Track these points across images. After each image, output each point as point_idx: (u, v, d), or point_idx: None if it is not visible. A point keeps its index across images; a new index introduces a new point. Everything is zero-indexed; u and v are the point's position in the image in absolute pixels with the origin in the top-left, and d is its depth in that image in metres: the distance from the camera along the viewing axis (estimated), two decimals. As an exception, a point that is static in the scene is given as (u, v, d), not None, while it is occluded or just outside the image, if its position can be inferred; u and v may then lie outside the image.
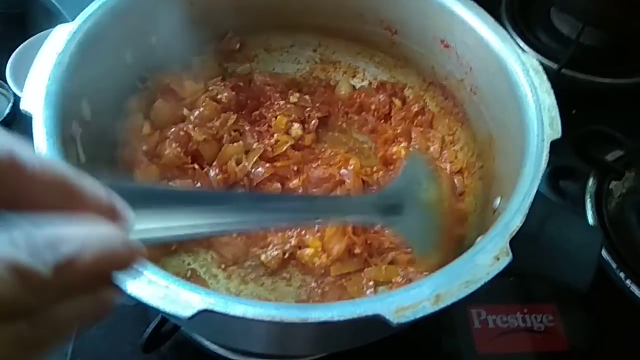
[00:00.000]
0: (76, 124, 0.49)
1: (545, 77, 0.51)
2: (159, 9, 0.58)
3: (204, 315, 0.35)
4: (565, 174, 0.79)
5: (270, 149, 0.63)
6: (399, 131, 0.66)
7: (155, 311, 0.50)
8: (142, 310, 0.63)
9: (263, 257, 0.57)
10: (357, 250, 0.58)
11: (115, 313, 0.63)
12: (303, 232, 0.58)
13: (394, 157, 0.65)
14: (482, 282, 0.38)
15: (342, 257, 0.57)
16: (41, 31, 0.76)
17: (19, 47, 0.76)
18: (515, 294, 0.67)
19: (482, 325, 0.64)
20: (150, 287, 0.36)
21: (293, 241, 0.58)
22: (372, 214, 0.45)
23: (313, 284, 0.57)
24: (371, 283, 0.57)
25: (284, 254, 0.57)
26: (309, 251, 0.57)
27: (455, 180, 0.64)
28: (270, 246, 0.58)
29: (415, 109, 0.68)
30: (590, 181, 0.76)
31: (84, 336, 0.61)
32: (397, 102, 0.69)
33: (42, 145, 0.42)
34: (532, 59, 0.52)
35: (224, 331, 0.45)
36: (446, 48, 0.61)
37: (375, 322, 0.36)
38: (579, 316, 0.67)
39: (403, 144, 0.65)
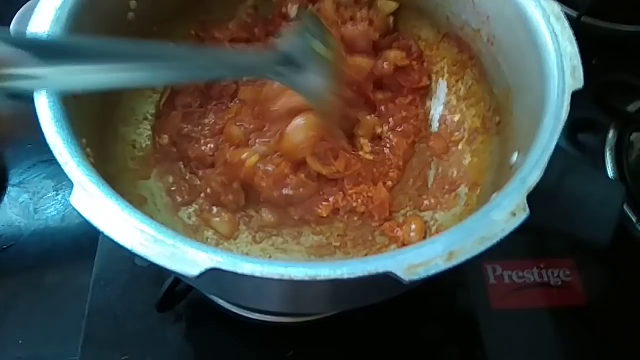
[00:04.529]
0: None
1: (567, 24, 0.48)
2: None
3: (212, 274, 0.35)
4: (584, 127, 0.77)
5: None
6: None
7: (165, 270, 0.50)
8: (156, 270, 0.63)
9: None
10: None
11: (130, 273, 0.64)
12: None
13: None
14: (498, 239, 0.36)
15: None
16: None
17: (26, 4, 0.74)
18: (532, 249, 0.66)
19: (498, 281, 0.64)
20: (157, 245, 0.35)
21: None
22: (272, 70, 0.48)
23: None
24: None
25: None
26: None
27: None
28: None
29: None
30: (611, 133, 0.74)
31: (99, 297, 0.61)
32: None
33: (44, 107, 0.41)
34: (553, 5, 0.49)
35: (234, 290, 0.44)
36: (462, -4, 0.58)
37: (387, 279, 0.35)
38: (597, 271, 0.66)
39: None
